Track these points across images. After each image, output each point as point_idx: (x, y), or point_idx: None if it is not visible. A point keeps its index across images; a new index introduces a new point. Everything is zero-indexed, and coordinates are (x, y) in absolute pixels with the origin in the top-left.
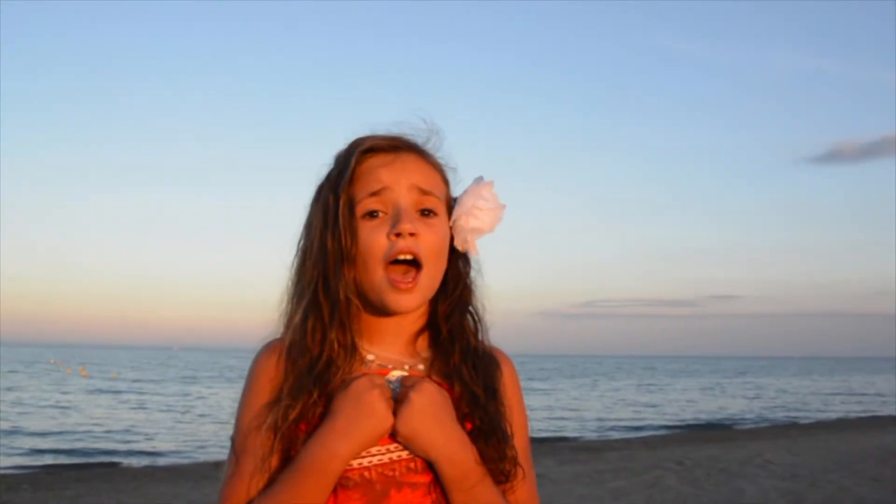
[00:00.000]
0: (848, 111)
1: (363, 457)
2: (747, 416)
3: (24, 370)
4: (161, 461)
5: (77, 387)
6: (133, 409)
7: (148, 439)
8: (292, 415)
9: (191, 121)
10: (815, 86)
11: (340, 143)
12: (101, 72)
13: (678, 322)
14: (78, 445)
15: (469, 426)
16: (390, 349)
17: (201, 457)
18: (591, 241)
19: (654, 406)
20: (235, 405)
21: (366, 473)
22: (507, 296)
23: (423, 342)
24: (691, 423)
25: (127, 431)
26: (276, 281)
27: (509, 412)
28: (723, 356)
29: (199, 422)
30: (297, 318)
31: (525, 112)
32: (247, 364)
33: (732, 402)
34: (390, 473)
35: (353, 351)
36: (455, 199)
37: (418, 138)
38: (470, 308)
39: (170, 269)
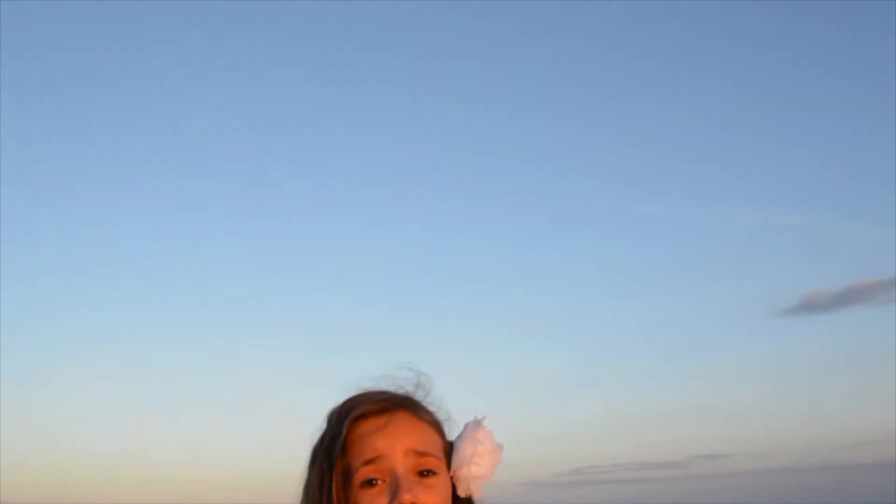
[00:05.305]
0: (815, 261)
1: None
2: None
3: None
4: None
5: None
6: None
7: None
8: None
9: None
10: (780, 239)
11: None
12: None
13: (668, 484)
14: None
15: None
16: None
17: None
18: (570, 404)
19: None
20: None
21: None
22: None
23: None
24: None
25: None
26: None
27: None
28: None
29: None
30: None
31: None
32: None
33: None
34: None
35: None
36: (452, 444)
37: (407, 387)
38: None
39: (152, 449)
